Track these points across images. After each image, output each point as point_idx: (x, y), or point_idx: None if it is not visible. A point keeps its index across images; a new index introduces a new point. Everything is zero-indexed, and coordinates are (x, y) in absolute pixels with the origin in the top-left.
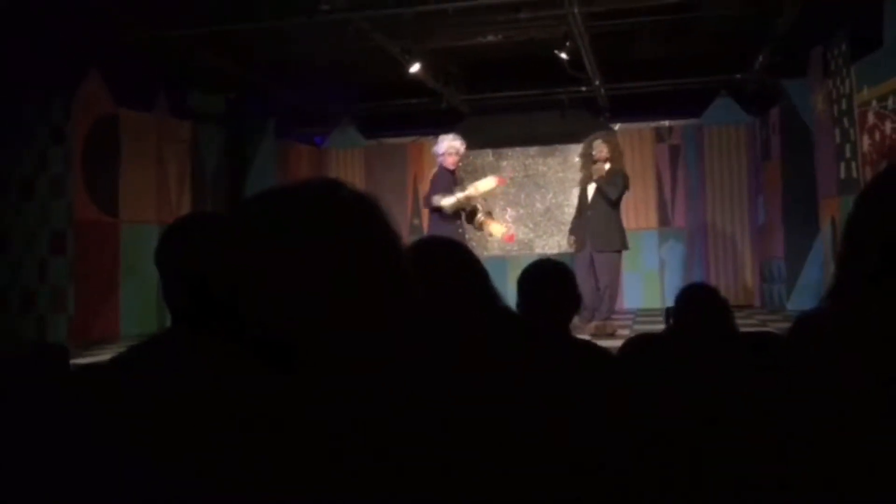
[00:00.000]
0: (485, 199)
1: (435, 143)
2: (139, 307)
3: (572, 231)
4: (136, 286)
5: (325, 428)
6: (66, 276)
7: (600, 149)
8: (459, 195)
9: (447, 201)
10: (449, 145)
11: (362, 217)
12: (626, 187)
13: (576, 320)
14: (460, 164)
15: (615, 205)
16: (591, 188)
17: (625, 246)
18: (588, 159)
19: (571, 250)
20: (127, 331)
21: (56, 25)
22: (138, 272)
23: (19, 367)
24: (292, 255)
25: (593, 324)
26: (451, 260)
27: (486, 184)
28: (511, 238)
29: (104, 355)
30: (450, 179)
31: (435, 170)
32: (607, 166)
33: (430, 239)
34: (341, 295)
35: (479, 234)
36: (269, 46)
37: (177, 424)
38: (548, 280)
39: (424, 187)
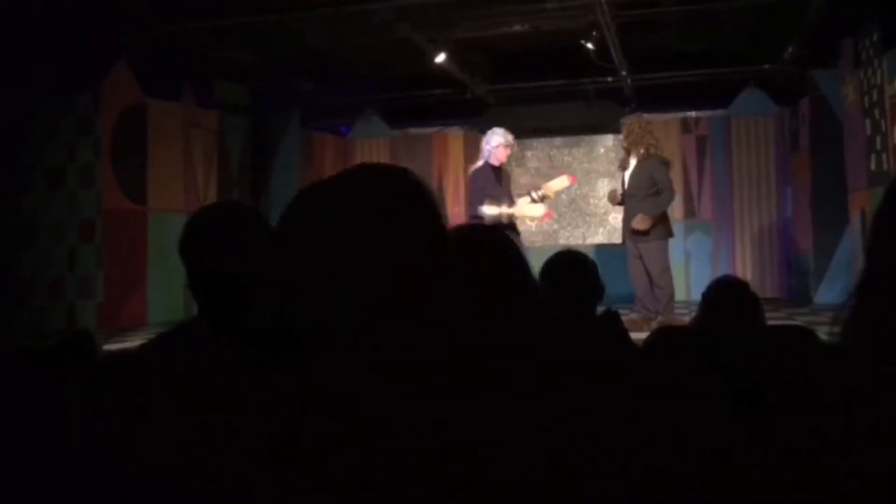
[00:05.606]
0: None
1: (458, 133)
2: (166, 294)
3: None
4: (164, 273)
5: (328, 424)
6: (95, 263)
7: (623, 136)
8: (505, 210)
9: (490, 211)
10: (504, 138)
11: (415, 207)
12: (658, 172)
13: (633, 316)
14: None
15: (655, 194)
16: (627, 175)
17: (667, 233)
18: None
19: (601, 241)
20: (154, 318)
21: (83, 18)
22: (165, 260)
23: (48, 353)
24: (333, 245)
25: (636, 317)
26: (495, 249)
27: (558, 183)
28: (549, 215)
29: (132, 342)
30: (494, 179)
31: (476, 166)
32: (632, 157)
33: (475, 226)
34: (375, 286)
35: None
36: (294, 37)
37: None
38: (568, 270)
39: (449, 178)
